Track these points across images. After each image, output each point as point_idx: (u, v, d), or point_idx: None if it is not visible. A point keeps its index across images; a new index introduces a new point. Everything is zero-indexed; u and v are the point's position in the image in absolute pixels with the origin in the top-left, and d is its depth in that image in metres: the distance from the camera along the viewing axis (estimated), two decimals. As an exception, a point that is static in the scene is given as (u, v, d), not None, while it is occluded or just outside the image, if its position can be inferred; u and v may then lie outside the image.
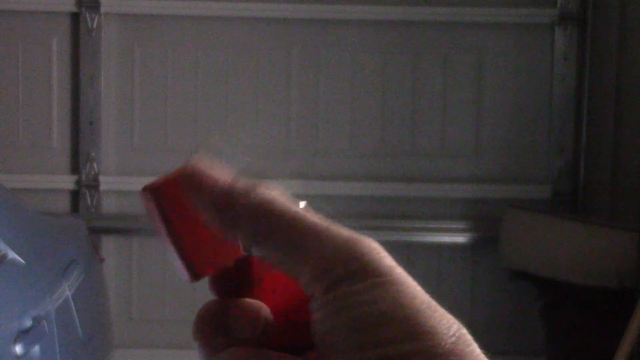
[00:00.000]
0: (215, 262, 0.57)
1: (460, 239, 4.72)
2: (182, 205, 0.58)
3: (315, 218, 0.54)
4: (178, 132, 4.71)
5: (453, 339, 0.49)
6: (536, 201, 4.69)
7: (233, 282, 0.58)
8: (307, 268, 0.52)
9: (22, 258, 2.59)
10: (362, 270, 0.51)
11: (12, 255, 2.55)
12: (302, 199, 0.59)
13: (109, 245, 4.70)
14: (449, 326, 0.50)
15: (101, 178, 4.67)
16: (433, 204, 4.73)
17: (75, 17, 4.65)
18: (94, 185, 4.67)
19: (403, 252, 4.73)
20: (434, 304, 0.51)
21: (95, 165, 4.67)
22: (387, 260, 0.52)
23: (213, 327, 0.55)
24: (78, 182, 4.68)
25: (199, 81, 4.70)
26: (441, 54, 4.71)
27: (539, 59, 4.72)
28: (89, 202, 4.68)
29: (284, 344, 0.56)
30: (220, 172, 0.56)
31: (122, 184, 4.69)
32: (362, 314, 0.50)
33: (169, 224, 0.58)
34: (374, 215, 4.71)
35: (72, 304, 2.84)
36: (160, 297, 4.74)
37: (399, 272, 0.52)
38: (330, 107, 4.73)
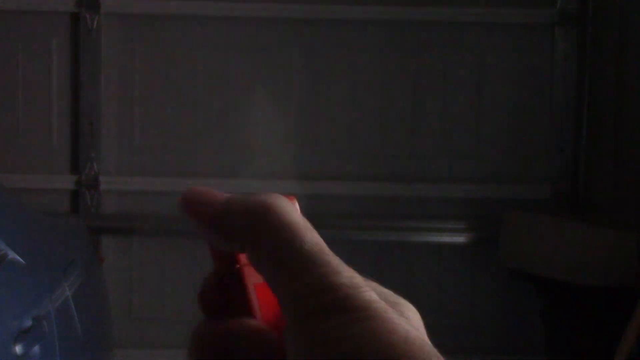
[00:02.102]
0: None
1: (460, 239, 4.72)
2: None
3: (307, 239, 0.52)
4: (178, 132, 4.71)
5: None
6: (536, 201, 4.69)
7: (224, 298, 0.56)
8: (286, 290, 0.51)
9: (22, 258, 2.59)
10: (339, 304, 0.50)
11: (12, 255, 2.55)
12: (293, 195, 0.58)
13: (109, 245, 4.70)
14: (427, 359, 0.48)
15: (101, 178, 4.67)
16: (433, 204, 4.73)
17: (75, 17, 4.65)
18: (94, 185, 4.67)
19: (403, 252, 4.73)
20: (412, 336, 0.49)
21: (95, 165, 4.67)
22: (366, 294, 0.50)
23: (216, 353, 0.53)
24: (78, 182, 4.68)
25: (199, 81, 4.70)
26: (441, 54, 4.71)
27: (539, 59, 4.72)
28: (89, 202, 4.68)
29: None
30: (216, 193, 0.55)
31: (122, 184, 4.69)
32: (338, 352, 0.48)
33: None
34: (374, 215, 4.71)
35: (72, 304, 2.84)
36: (160, 297, 4.74)
37: (377, 307, 0.50)
38: (331, 107, 4.73)
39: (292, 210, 0.54)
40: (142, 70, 4.70)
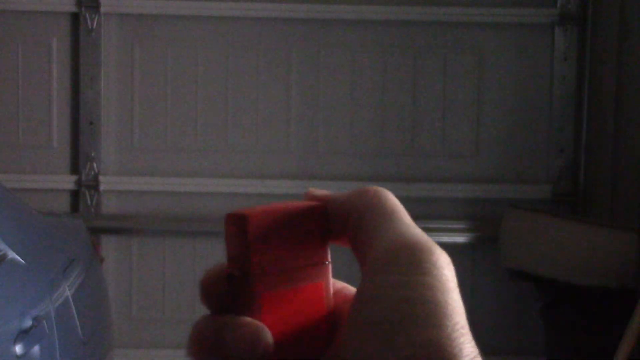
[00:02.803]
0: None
1: (460, 239, 4.72)
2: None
3: (405, 216, 0.59)
4: (178, 132, 4.71)
5: None
6: (536, 201, 4.69)
7: (230, 297, 0.56)
8: (376, 246, 0.54)
9: (22, 258, 2.59)
10: (423, 268, 0.52)
11: (12, 255, 2.55)
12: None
13: (109, 245, 4.70)
14: (473, 357, 0.51)
15: (101, 178, 4.67)
16: (433, 204, 4.73)
17: (75, 17, 4.65)
18: (94, 185, 4.67)
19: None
20: (465, 329, 0.52)
21: (95, 165, 4.67)
22: (441, 259, 0.54)
23: (209, 346, 0.54)
24: (78, 182, 4.68)
25: (199, 81, 4.70)
26: (441, 54, 4.71)
27: (539, 59, 4.72)
28: (89, 202, 4.68)
29: None
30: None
31: (122, 184, 4.69)
32: (397, 310, 0.51)
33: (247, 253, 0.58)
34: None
35: (72, 304, 2.84)
36: (160, 297, 4.74)
37: (452, 287, 0.54)
38: (330, 107, 4.72)
39: (389, 194, 0.61)
40: (142, 70, 4.70)
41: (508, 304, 4.75)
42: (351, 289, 0.60)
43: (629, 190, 4.47)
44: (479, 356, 0.51)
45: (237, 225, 0.57)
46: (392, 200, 0.59)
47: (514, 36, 4.71)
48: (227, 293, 0.56)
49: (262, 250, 0.56)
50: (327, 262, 0.59)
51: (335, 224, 0.58)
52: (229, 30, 4.68)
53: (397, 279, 0.51)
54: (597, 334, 3.93)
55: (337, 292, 0.59)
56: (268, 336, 0.54)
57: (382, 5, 4.65)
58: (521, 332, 4.73)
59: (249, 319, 0.54)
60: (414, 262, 0.52)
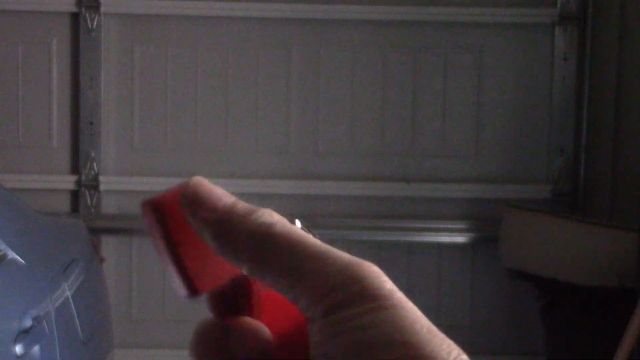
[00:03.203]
0: (215, 279, 0.56)
1: (460, 239, 4.72)
2: (182, 221, 0.57)
3: (315, 242, 0.53)
4: (178, 132, 4.71)
5: None
6: (536, 201, 4.69)
7: (231, 300, 0.57)
8: (306, 291, 0.51)
9: (22, 258, 2.59)
10: (361, 294, 0.50)
11: (12, 255, 2.55)
12: (296, 217, 0.59)
13: (109, 245, 4.70)
14: (449, 351, 0.50)
15: (101, 178, 4.67)
16: (433, 204, 4.73)
17: (75, 17, 4.64)
18: (94, 185, 4.67)
19: (403, 252, 4.73)
20: (434, 328, 0.50)
21: (95, 165, 4.67)
22: (387, 284, 0.51)
23: (212, 347, 0.54)
24: (78, 182, 4.68)
25: (199, 81, 4.70)
26: (441, 54, 4.71)
27: (539, 59, 4.72)
28: (89, 202, 4.68)
29: None
30: (219, 194, 0.55)
31: (122, 184, 4.69)
32: (360, 339, 0.49)
33: (168, 240, 0.57)
34: (374, 215, 4.71)
35: (72, 304, 2.84)
36: (160, 297, 4.74)
37: (399, 297, 0.51)
38: (330, 107, 4.72)
39: (283, 219, 0.54)
40: (142, 70, 4.70)
41: (508, 304, 4.75)
42: None
43: (629, 190, 4.47)
44: (462, 353, 0.51)
45: None
46: (287, 223, 0.53)
47: (514, 36, 4.71)
48: (228, 295, 0.57)
49: None
50: None
51: (234, 257, 0.54)
52: (229, 30, 4.68)
53: (356, 310, 0.50)
54: (597, 334, 3.93)
55: None
56: (268, 336, 0.54)
57: (382, 5, 4.65)
58: (521, 332, 4.73)
59: (249, 320, 0.55)
60: (367, 293, 0.50)
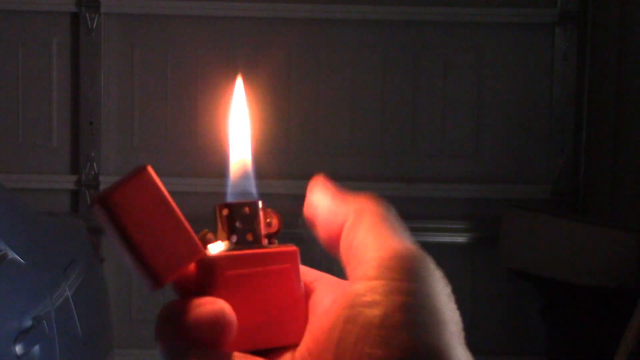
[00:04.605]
0: (177, 262, 0.56)
1: (460, 239, 4.72)
2: (136, 211, 0.57)
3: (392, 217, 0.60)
4: (178, 132, 4.71)
5: None
6: (536, 201, 4.69)
7: (196, 282, 0.57)
8: (371, 256, 0.54)
9: (22, 258, 2.59)
10: (420, 277, 0.54)
11: (12, 255, 2.55)
12: (295, 216, 0.59)
13: (109, 245, 4.69)
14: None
15: (101, 178, 4.67)
16: (433, 204, 4.73)
17: (75, 17, 4.65)
18: (94, 185, 4.67)
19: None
20: (461, 338, 0.55)
21: (95, 165, 4.67)
22: (442, 281, 0.56)
23: (173, 328, 0.54)
24: (78, 182, 4.68)
25: (198, 81, 4.70)
26: (441, 54, 4.71)
27: (539, 59, 4.72)
28: (89, 202, 4.68)
29: (250, 346, 0.55)
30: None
31: (122, 184, 4.68)
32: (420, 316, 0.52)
33: (124, 233, 0.57)
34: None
35: (72, 304, 2.84)
36: (160, 297, 4.72)
37: (447, 296, 0.55)
38: (330, 107, 4.72)
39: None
40: (142, 70, 4.70)
41: (508, 304, 4.75)
42: (330, 278, 0.60)
43: (629, 190, 4.47)
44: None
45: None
46: (385, 207, 0.61)
47: (514, 36, 4.71)
48: (194, 277, 0.57)
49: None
50: (294, 248, 0.59)
51: (326, 227, 0.59)
52: (229, 30, 4.68)
53: (394, 285, 0.51)
54: (597, 334, 3.93)
55: (313, 281, 0.59)
56: (229, 314, 0.54)
57: (382, 5, 4.65)
58: (521, 332, 4.73)
59: (210, 298, 0.55)
60: (411, 270, 0.52)
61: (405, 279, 0.52)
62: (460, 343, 0.51)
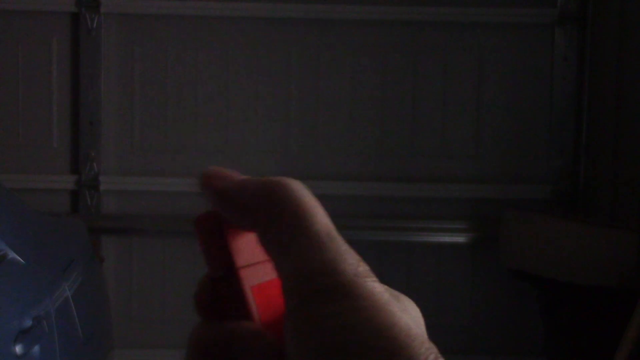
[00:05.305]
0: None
1: (460, 239, 4.72)
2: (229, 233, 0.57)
3: (317, 220, 0.51)
4: (178, 132, 4.71)
5: None
6: (536, 201, 4.69)
7: (219, 301, 0.56)
8: (290, 271, 0.50)
9: (22, 258, 2.59)
10: (342, 290, 0.48)
11: (12, 255, 2.55)
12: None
13: (109, 245, 4.70)
14: (427, 356, 0.47)
15: (101, 178, 4.67)
16: (433, 204, 4.73)
17: (75, 17, 4.65)
18: (94, 185, 4.67)
19: (403, 252, 4.73)
20: (413, 331, 0.48)
21: (95, 165, 4.67)
22: (369, 283, 0.49)
23: (216, 358, 0.52)
24: (78, 182, 4.68)
25: (199, 81, 4.70)
26: (441, 54, 4.71)
27: (539, 59, 4.72)
28: (89, 202, 4.68)
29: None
30: (235, 173, 0.56)
31: (122, 184, 4.69)
32: (333, 340, 0.47)
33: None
34: (374, 215, 4.71)
35: (72, 304, 2.84)
36: (160, 297, 4.74)
37: (380, 298, 0.49)
38: (330, 107, 4.73)
39: (305, 191, 0.53)
40: (142, 70, 4.70)
41: (508, 304, 4.76)
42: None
43: (629, 190, 4.47)
44: (440, 357, 0.49)
45: (211, 225, 0.57)
46: (305, 196, 0.53)
47: (514, 36, 4.71)
48: (216, 297, 0.55)
49: (241, 245, 0.56)
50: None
51: (239, 218, 0.53)
52: (229, 30, 4.68)
53: (331, 308, 0.48)
54: (597, 334, 3.93)
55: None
56: (275, 345, 0.52)
57: (382, 5, 4.65)
58: (521, 332, 4.73)
59: (253, 328, 0.53)
60: (346, 290, 0.48)
61: (341, 300, 0.48)
62: (423, 341, 0.49)
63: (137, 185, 4.67)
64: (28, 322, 2.42)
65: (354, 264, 0.50)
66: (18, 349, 2.32)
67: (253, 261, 0.56)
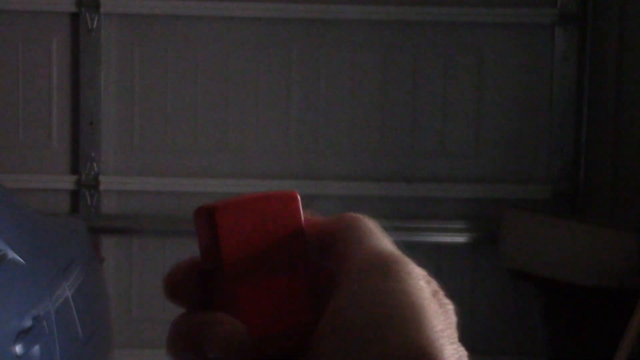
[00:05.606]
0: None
1: (460, 239, 4.72)
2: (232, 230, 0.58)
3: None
4: (178, 132, 4.71)
5: None
6: (536, 201, 4.69)
7: (203, 293, 0.56)
8: (351, 261, 0.54)
9: (22, 258, 2.59)
10: (399, 277, 0.53)
11: (12, 255, 2.55)
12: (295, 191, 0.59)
13: (109, 245, 4.69)
14: (457, 358, 0.52)
15: (101, 178, 4.67)
16: (433, 204, 4.73)
17: (75, 17, 4.64)
18: (94, 185, 4.67)
19: (403, 252, 4.72)
20: (446, 332, 0.53)
21: (95, 165, 4.67)
22: (422, 282, 0.56)
23: (186, 343, 0.54)
24: (78, 182, 4.68)
25: (199, 81, 4.70)
26: (441, 54, 4.71)
27: (539, 59, 4.72)
28: (89, 202, 4.68)
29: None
30: None
31: (122, 184, 4.69)
32: (369, 318, 0.50)
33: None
34: (374, 215, 4.70)
35: (72, 304, 2.84)
36: (160, 297, 4.70)
37: (428, 295, 0.55)
38: (330, 107, 4.72)
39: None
40: (142, 70, 4.70)
41: (508, 304, 4.75)
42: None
43: (629, 190, 4.47)
44: (465, 357, 0.52)
45: (206, 218, 0.57)
46: (369, 223, 0.62)
47: (514, 36, 4.71)
48: (200, 288, 0.57)
49: (232, 241, 0.56)
50: (305, 249, 0.59)
51: (313, 249, 0.58)
52: (229, 30, 4.68)
53: (373, 286, 0.51)
54: (597, 334, 3.93)
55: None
56: (243, 333, 0.54)
57: (382, 5, 4.65)
58: (521, 332, 4.73)
59: (225, 316, 0.54)
60: (390, 270, 0.53)
61: (384, 279, 0.52)
62: (449, 341, 0.51)
63: (137, 185, 4.67)
64: (28, 322, 2.42)
65: (403, 256, 0.58)
66: (18, 349, 2.32)
67: (243, 258, 0.56)
